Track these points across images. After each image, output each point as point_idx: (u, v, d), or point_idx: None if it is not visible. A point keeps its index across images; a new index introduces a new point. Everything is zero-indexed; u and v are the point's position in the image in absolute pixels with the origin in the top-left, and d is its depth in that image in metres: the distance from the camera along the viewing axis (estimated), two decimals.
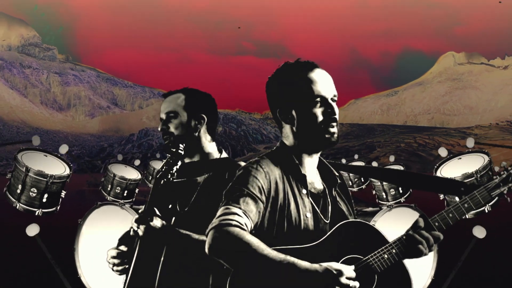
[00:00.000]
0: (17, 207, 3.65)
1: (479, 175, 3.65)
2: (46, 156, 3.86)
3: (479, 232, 3.90)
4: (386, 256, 1.55)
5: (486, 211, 3.74)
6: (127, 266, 2.01)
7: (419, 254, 1.56)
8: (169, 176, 1.89)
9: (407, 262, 4.45)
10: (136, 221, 1.87)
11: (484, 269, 6.25)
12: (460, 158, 3.96)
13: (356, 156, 6.87)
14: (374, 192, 4.88)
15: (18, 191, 3.63)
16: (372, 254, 1.56)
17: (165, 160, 1.96)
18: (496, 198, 3.56)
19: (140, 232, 1.85)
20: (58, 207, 3.80)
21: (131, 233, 1.92)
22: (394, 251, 1.56)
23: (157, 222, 1.85)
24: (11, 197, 3.66)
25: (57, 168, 3.79)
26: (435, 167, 3.97)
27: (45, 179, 3.63)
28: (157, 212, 1.88)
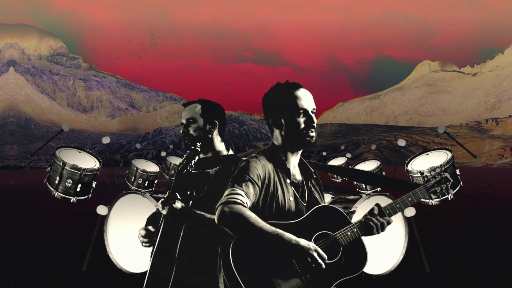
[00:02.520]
0: (55, 195, 3.72)
1: (443, 168, 3.76)
2: (80, 152, 3.93)
3: (409, 211, 4.05)
4: (349, 233, 1.78)
5: (449, 199, 3.85)
6: (153, 241, 2.20)
7: (373, 233, 1.80)
8: (189, 168, 2.06)
9: (384, 242, 4.55)
10: (162, 203, 2.04)
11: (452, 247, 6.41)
12: (428, 154, 4.04)
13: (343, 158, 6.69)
14: (355, 183, 4.98)
15: (56, 182, 3.70)
16: (338, 231, 1.78)
17: (185, 155, 2.13)
18: (459, 187, 3.70)
19: (164, 212, 2.03)
20: (90, 195, 3.87)
21: (156, 211, 2.10)
22: (355, 230, 1.79)
23: (178, 204, 2.02)
24: (50, 187, 3.74)
25: (89, 162, 3.87)
26: (406, 161, 4.02)
27: (79, 172, 3.70)
28: (178, 196, 2.05)
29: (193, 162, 2.05)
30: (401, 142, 4.92)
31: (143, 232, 2.23)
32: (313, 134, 1.87)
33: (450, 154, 3.85)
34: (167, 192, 2.12)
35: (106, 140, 4.24)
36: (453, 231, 8.06)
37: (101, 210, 4.05)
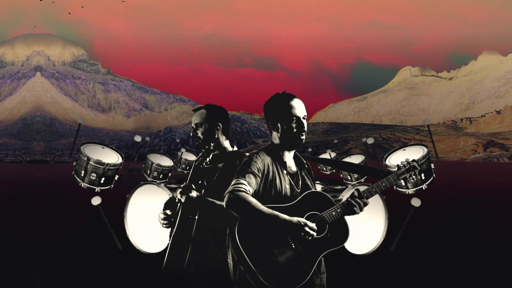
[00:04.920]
0: (82, 185, 3.71)
1: (419, 163, 3.76)
2: (104, 148, 3.90)
3: (416, 202, 4.06)
4: (334, 213, 1.92)
5: (424, 188, 3.86)
6: (171, 223, 2.34)
7: (354, 213, 1.93)
8: (204, 164, 2.23)
9: (367, 226, 4.56)
10: (180, 193, 2.20)
11: (424, 232, 6.50)
12: (405, 150, 4.00)
13: (333, 154, 6.64)
14: (341, 175, 5.06)
15: (82, 175, 3.68)
16: (325, 211, 1.92)
17: (200, 153, 2.31)
18: (431, 178, 3.72)
19: (183, 200, 2.19)
20: (112, 185, 3.85)
21: (177, 200, 2.26)
22: (339, 210, 1.93)
23: (193, 194, 2.18)
24: (77, 178, 3.72)
25: (112, 157, 3.84)
26: (385, 156, 4.03)
27: (102, 166, 3.66)
28: (194, 187, 2.21)
29: (207, 159, 2.19)
30: (370, 140, 4.94)
31: (162, 216, 2.38)
32: (303, 137, 2.04)
33: (426, 150, 3.85)
34: (178, 184, 2.26)
35: (138, 138, 4.11)
36: (432, 217, 8.16)
37: (95, 200, 4.04)
